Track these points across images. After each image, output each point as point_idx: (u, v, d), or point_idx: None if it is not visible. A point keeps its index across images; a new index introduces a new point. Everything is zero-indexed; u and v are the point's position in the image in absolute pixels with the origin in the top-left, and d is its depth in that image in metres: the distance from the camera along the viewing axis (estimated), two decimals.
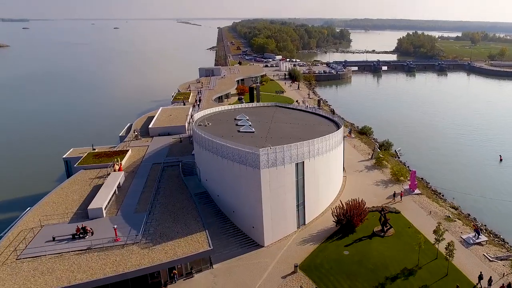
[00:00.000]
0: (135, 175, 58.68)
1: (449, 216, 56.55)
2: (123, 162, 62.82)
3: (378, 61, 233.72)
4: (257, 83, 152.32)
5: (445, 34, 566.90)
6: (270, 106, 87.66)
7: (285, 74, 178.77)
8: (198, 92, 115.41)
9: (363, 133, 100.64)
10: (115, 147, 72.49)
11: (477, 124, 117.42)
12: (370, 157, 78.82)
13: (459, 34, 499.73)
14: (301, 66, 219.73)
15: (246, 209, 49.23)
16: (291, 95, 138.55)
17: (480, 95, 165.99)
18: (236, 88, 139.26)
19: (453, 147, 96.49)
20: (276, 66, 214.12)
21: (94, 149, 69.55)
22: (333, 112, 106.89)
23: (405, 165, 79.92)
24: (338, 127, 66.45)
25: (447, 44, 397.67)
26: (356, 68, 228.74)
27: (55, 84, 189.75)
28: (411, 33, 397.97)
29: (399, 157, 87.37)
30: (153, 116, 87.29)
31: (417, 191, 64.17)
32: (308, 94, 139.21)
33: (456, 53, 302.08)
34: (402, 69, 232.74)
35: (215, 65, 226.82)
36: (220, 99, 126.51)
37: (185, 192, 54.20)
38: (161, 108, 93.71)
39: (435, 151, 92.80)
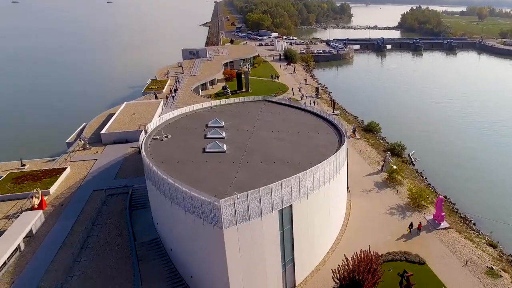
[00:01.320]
0: (62, 212, 42.80)
1: (492, 269, 41.24)
2: (55, 187, 46.96)
3: (382, 39, 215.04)
4: (248, 66, 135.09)
5: (449, 9, 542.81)
6: (257, 101, 71.38)
7: (280, 54, 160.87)
8: (176, 81, 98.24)
9: (369, 130, 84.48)
10: (54, 160, 56.41)
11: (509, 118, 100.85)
12: (380, 168, 62.97)
13: (464, 9, 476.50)
14: (298, 44, 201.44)
15: (208, 276, 33.75)
16: (286, 81, 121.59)
17: (501, 79, 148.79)
18: (223, 73, 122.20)
19: (481, 148, 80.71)
20: (271, 45, 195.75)
21: (24, 166, 53.50)
22: (333, 104, 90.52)
23: (426, 182, 64.15)
24: (341, 136, 50.57)
25: (452, 20, 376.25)
26: (358, 47, 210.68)
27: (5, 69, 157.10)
28: (414, 7, 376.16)
29: (413, 164, 71.68)
30: (114, 114, 71.00)
31: (444, 223, 48.68)
32: (305, 79, 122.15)
33: (463, 29, 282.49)
34: (408, 48, 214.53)
35: (206, 44, 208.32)
36: (204, 87, 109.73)
37: (125, 244, 38.40)
38: (125, 103, 77.10)
39: (458, 156, 77.00)
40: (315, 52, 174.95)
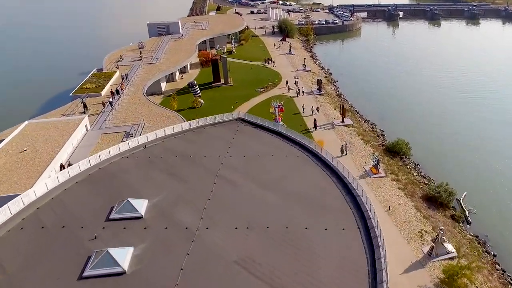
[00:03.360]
0: None
1: None
2: None
3: (394, 5, 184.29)
4: (232, 44, 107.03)
5: None
6: (227, 122, 46.09)
7: (273, 26, 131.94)
8: (123, 77, 70.31)
9: (395, 152, 58.72)
10: None
11: None
12: (427, 251, 37.60)
13: None
14: (296, 12, 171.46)
15: None
16: (279, 65, 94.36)
17: None
18: (198, 55, 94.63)
19: None
20: (264, 13, 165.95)
21: None
22: (343, 110, 64.04)
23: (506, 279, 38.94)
24: (370, 239, 25.64)
25: None
26: (365, 15, 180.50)
27: None
28: None
29: (468, 221, 46.67)
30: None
31: None
32: (304, 62, 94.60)
33: None
34: (424, 16, 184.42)
35: (189, 14, 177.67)
36: (170, 77, 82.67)
37: None
38: (25, 123, 50.06)
39: None
40: (316, 22, 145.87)
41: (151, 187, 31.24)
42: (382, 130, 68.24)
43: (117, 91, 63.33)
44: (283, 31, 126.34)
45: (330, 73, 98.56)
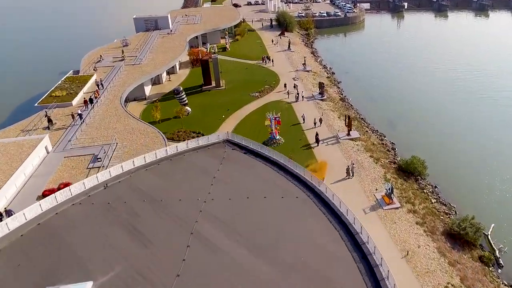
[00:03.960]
0: None
1: None
2: None
3: None
4: (227, 40, 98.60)
5: None
6: (211, 146, 38.23)
7: (271, 19, 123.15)
8: (98, 84, 61.76)
9: (409, 172, 51.02)
10: None
11: None
12: None
13: None
14: (295, 3, 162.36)
15: None
16: (277, 63, 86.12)
17: None
18: (188, 53, 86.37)
19: None
20: (262, 4, 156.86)
21: None
22: (349, 122, 55.94)
23: None
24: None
25: None
26: (368, 6, 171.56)
27: None
28: None
29: (499, 265, 39.28)
30: None
31: None
32: (304, 62, 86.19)
33: None
34: (430, 7, 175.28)
35: (183, 5, 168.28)
36: (156, 80, 74.65)
37: None
38: None
39: None
40: (317, 15, 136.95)
41: (101, 257, 23.57)
42: (392, 143, 60.42)
43: (91, 100, 55.14)
44: (282, 24, 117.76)
45: (333, 73, 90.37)
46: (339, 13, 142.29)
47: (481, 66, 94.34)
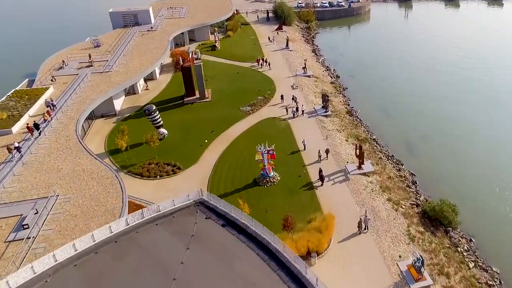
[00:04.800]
0: None
1: None
2: None
3: None
4: (216, 36, 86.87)
5: None
6: (181, 211, 27.14)
7: (267, 11, 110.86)
8: (48, 105, 49.55)
9: (436, 220, 40.26)
10: None
11: None
12: None
13: None
14: None
15: None
16: (273, 69, 74.53)
17: None
18: (171, 54, 74.83)
19: None
20: None
21: None
22: (360, 151, 44.76)
23: None
24: None
25: None
26: None
27: None
28: None
29: None
30: None
31: None
32: (305, 64, 74.40)
33: None
34: None
35: None
36: (130, 91, 63.59)
37: None
38: None
39: None
40: (318, 5, 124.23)
41: None
42: (412, 174, 49.57)
43: (36, 126, 43.78)
44: (280, 17, 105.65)
45: (337, 76, 78.88)
46: (343, 3, 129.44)
47: None
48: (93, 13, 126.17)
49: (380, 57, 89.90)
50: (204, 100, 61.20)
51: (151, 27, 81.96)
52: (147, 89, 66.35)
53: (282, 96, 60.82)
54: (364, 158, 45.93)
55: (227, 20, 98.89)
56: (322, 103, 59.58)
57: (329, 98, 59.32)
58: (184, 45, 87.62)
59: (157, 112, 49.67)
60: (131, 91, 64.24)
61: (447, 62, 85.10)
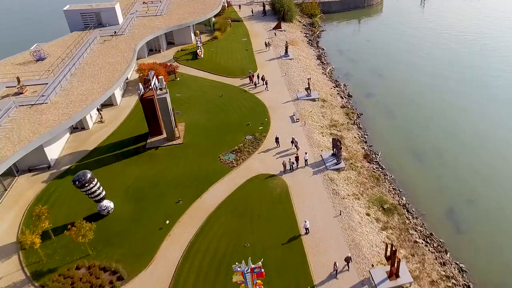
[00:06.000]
0: None
1: None
2: None
3: None
4: (199, 39, 70.42)
5: None
6: None
7: (264, 5, 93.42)
8: None
9: None
10: None
11: None
12: None
13: None
14: None
15: None
16: (270, 88, 58.22)
17: None
18: (137, 70, 58.62)
19: None
20: None
21: None
22: (393, 255, 29.46)
23: None
24: None
25: None
26: None
27: None
28: None
29: None
30: None
31: None
32: (308, 85, 57.37)
33: None
34: None
35: None
36: (76, 128, 47.55)
37: None
38: None
39: None
40: None
41: None
42: (461, 269, 34.03)
43: None
44: (278, 12, 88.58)
45: (349, 96, 62.62)
46: None
47: None
48: (53, 9, 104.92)
49: (403, 62, 73.44)
50: (173, 143, 45.36)
51: (115, 31, 65.05)
52: (100, 121, 50.40)
53: (277, 138, 44.85)
54: (397, 262, 30.40)
55: (215, 16, 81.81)
56: (333, 149, 43.73)
57: (341, 144, 43.31)
58: (160, 51, 71.23)
59: (95, 181, 33.92)
60: (78, 125, 48.29)
61: (485, 70, 68.44)
